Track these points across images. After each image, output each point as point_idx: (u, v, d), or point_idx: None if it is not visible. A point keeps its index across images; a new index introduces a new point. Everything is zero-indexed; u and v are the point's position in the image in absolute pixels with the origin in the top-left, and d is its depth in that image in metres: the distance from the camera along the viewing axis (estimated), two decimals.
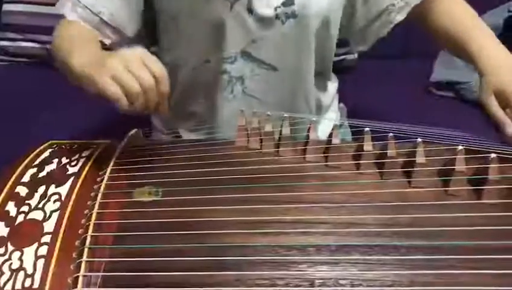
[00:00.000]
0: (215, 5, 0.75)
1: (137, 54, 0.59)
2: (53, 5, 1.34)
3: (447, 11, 0.81)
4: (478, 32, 0.76)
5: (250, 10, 0.76)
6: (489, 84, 0.69)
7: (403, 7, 0.82)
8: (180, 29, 0.80)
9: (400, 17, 0.83)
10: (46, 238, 0.57)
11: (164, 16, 0.80)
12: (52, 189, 0.64)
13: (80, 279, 0.53)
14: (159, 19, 0.82)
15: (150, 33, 0.86)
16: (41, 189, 0.64)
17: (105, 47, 0.79)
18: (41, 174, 0.67)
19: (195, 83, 0.84)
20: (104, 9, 0.77)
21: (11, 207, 0.62)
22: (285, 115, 0.69)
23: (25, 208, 0.61)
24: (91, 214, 0.59)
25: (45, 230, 0.58)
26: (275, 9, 0.76)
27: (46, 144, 0.75)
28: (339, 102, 1.01)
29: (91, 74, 0.60)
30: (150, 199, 0.62)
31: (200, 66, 0.82)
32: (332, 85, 0.97)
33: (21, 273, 0.54)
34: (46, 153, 0.71)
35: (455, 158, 0.61)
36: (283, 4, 0.76)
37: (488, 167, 0.60)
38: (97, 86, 0.59)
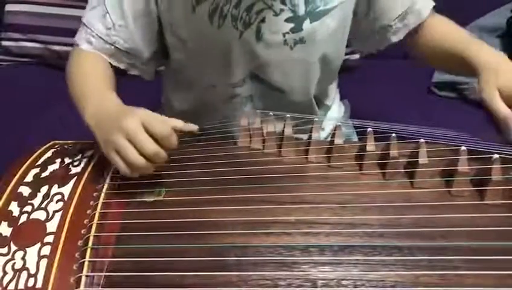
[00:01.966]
0: (225, 32, 0.75)
1: (138, 120, 0.59)
2: (55, 5, 1.36)
3: (440, 32, 0.82)
4: (473, 42, 0.76)
5: (259, 38, 0.75)
6: (492, 81, 0.67)
7: (400, 29, 0.83)
8: (189, 52, 0.80)
9: (395, 39, 0.84)
10: (49, 238, 0.58)
11: (174, 38, 0.80)
12: (55, 189, 0.64)
13: (83, 279, 0.53)
14: (168, 40, 0.82)
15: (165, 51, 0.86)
16: (44, 189, 0.64)
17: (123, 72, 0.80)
18: (44, 174, 0.67)
19: (206, 102, 0.84)
20: (118, 38, 0.77)
21: (14, 207, 0.62)
22: (288, 115, 0.69)
23: (27, 208, 0.61)
24: (94, 214, 0.60)
25: (48, 230, 0.58)
26: (284, 35, 0.76)
27: (48, 144, 0.75)
28: (342, 99, 1.01)
29: (98, 136, 0.64)
30: (153, 199, 0.62)
31: (205, 89, 0.82)
32: (332, 86, 0.97)
33: (24, 273, 0.54)
34: (49, 153, 0.72)
35: (458, 159, 0.61)
36: (291, 31, 0.76)
37: (491, 168, 0.60)
38: (103, 151, 0.63)
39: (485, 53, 0.72)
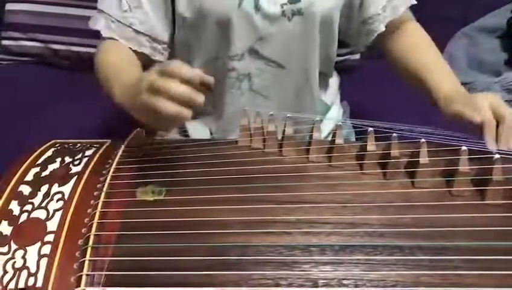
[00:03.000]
0: (224, 1, 0.76)
1: (153, 73, 0.59)
2: (56, 4, 1.36)
3: (411, 44, 0.84)
4: (439, 70, 0.80)
5: (257, 7, 0.76)
6: (455, 103, 0.71)
7: (386, 17, 0.84)
8: (189, 27, 0.81)
9: (382, 27, 0.85)
10: (49, 237, 0.57)
11: (177, 16, 0.81)
12: (56, 188, 0.64)
13: (83, 278, 0.53)
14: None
15: None
16: (45, 188, 0.64)
17: (148, 58, 0.81)
18: (44, 173, 0.67)
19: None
20: (134, 20, 0.79)
21: (14, 206, 0.62)
22: (289, 115, 0.69)
23: (28, 207, 0.61)
24: (94, 213, 0.59)
25: (48, 229, 0.58)
26: (281, 6, 0.77)
27: (49, 143, 0.75)
28: (342, 100, 1.01)
29: (129, 108, 0.65)
30: (153, 198, 0.62)
31: (209, 62, 0.83)
32: (334, 82, 0.97)
33: (24, 272, 0.54)
34: (49, 152, 0.72)
35: (459, 159, 0.61)
36: (289, 1, 0.77)
37: (491, 168, 0.60)
38: (139, 118, 0.63)
39: (444, 88, 0.75)
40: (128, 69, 0.75)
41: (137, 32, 0.80)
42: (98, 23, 0.80)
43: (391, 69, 0.90)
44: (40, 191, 0.64)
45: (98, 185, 0.64)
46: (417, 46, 0.84)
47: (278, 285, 0.52)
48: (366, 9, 0.85)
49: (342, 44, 0.90)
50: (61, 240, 0.57)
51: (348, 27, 0.88)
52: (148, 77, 0.59)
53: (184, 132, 0.90)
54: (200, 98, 0.57)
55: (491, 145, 0.64)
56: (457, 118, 0.69)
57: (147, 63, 0.81)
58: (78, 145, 0.73)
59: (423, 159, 0.62)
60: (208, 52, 0.82)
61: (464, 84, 1.27)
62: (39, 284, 0.53)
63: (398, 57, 0.85)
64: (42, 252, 0.56)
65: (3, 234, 0.58)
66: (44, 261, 0.55)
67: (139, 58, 0.81)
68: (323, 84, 0.93)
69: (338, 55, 0.94)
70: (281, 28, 0.79)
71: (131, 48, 0.80)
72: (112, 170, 0.66)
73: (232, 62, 0.81)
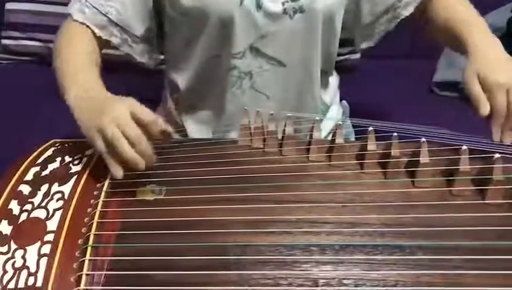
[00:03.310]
0: (226, 0, 0.76)
1: (127, 107, 0.62)
2: (56, 3, 1.36)
3: (444, 5, 0.83)
4: (470, 23, 0.77)
5: (259, 5, 0.76)
6: (473, 66, 0.70)
7: (409, 2, 0.84)
8: (190, 25, 0.80)
9: (406, 12, 0.85)
10: (49, 237, 0.57)
11: (174, 12, 0.81)
12: (55, 187, 0.64)
13: (83, 278, 0.53)
14: (169, 15, 0.82)
15: (160, 34, 0.87)
16: (45, 187, 0.64)
17: (112, 46, 0.81)
18: (44, 173, 0.67)
19: (205, 77, 0.85)
20: (112, 9, 0.78)
21: (14, 205, 0.62)
22: (289, 115, 0.69)
23: (28, 207, 0.61)
24: (94, 213, 0.59)
25: (48, 228, 0.58)
26: (283, 4, 0.77)
27: (49, 143, 0.75)
28: (342, 100, 1.01)
29: (81, 119, 0.66)
30: (153, 197, 0.62)
31: (210, 60, 0.83)
32: (333, 81, 0.97)
33: (24, 272, 0.54)
34: (49, 152, 0.71)
35: (459, 158, 0.61)
36: None
37: (492, 167, 0.60)
38: (84, 132, 0.65)
39: (476, 37, 0.74)
40: (89, 70, 0.73)
41: (110, 21, 0.79)
42: (72, 7, 0.79)
43: (430, 38, 0.88)
44: (40, 190, 0.63)
45: (98, 185, 0.64)
46: (454, 7, 0.82)
47: (278, 285, 0.52)
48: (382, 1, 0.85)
49: (342, 43, 0.90)
50: (61, 240, 0.57)
51: (356, 21, 0.88)
52: (116, 109, 0.61)
53: (181, 131, 0.90)
54: (141, 165, 0.61)
55: (496, 137, 0.64)
56: (465, 86, 0.69)
57: (107, 46, 0.81)
58: (78, 144, 0.73)
59: (424, 158, 0.62)
60: (208, 49, 0.82)
61: (462, 84, 1.28)
62: (39, 283, 0.53)
63: (439, 24, 0.83)
64: (42, 252, 0.56)
65: (3, 233, 0.58)
66: (44, 261, 0.55)
67: (101, 44, 0.80)
68: (324, 82, 0.93)
69: (338, 55, 0.94)
70: (283, 26, 0.78)
71: (100, 36, 0.79)
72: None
73: (233, 60, 0.81)
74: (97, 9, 0.77)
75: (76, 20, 0.78)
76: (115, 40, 0.80)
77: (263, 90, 0.84)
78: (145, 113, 0.62)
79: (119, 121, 0.61)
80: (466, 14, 0.79)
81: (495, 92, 0.66)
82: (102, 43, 0.80)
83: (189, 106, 0.89)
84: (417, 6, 0.84)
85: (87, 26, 0.78)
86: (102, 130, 0.61)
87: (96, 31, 0.78)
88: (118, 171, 0.61)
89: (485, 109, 0.66)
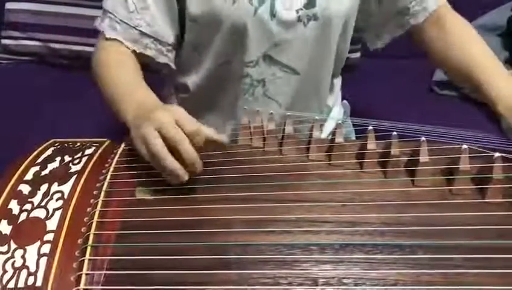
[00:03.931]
0: (239, 9, 0.75)
1: (171, 114, 0.60)
2: (56, 3, 1.36)
3: (458, 44, 0.81)
4: (488, 68, 0.77)
5: (273, 14, 0.76)
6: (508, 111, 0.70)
7: (419, 12, 0.83)
8: (201, 29, 0.80)
9: (414, 22, 0.84)
10: (49, 237, 0.57)
11: (186, 18, 0.80)
12: (55, 187, 0.64)
13: (83, 277, 0.53)
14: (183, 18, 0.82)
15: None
16: (44, 187, 0.64)
17: (148, 58, 0.80)
18: (44, 173, 0.67)
19: (216, 83, 0.84)
20: (141, 21, 0.77)
21: (13, 205, 0.62)
22: (288, 114, 0.69)
23: (27, 206, 0.61)
24: (94, 213, 0.59)
25: (48, 228, 0.58)
26: (297, 11, 0.76)
27: (48, 142, 0.75)
28: (343, 99, 1.01)
29: (134, 133, 0.63)
30: (153, 197, 0.62)
31: (220, 67, 0.82)
32: (338, 82, 0.97)
33: (24, 272, 0.54)
34: (49, 151, 0.71)
35: (459, 157, 0.61)
36: (305, 7, 0.76)
37: (492, 166, 0.59)
38: (136, 146, 0.62)
39: (498, 85, 0.73)
40: (141, 87, 0.72)
41: (142, 34, 0.78)
42: (103, 24, 0.79)
43: (431, 62, 0.89)
44: (39, 190, 0.63)
45: (98, 184, 0.64)
46: (462, 40, 0.82)
47: (278, 284, 0.52)
48: (395, 2, 0.84)
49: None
50: (61, 239, 0.57)
51: (368, 23, 0.87)
52: (159, 114, 0.59)
53: None
54: (185, 177, 0.59)
55: None
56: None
57: (146, 62, 0.81)
58: (78, 144, 0.73)
59: (423, 157, 0.62)
60: (219, 56, 0.81)
61: None
62: (39, 283, 0.53)
63: (440, 51, 0.83)
64: (42, 252, 0.56)
65: (3, 233, 0.58)
66: (43, 261, 0.55)
67: (139, 59, 0.79)
68: (330, 86, 0.93)
69: None
70: (297, 34, 0.78)
71: (135, 50, 0.78)
72: (111, 168, 0.66)
73: (246, 68, 0.80)
74: (127, 23, 0.77)
75: (109, 38, 0.78)
76: (150, 52, 0.79)
77: (275, 98, 0.83)
78: (189, 122, 0.60)
79: (162, 127, 0.59)
80: (482, 57, 0.79)
81: None
82: (139, 57, 0.79)
83: (198, 109, 0.88)
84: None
85: (121, 42, 0.78)
86: (144, 137, 0.60)
87: (130, 45, 0.78)
88: (183, 175, 0.59)
89: None
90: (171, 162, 0.58)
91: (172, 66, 0.83)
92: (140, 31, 0.77)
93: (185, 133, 0.59)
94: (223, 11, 0.75)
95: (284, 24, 0.77)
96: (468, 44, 0.81)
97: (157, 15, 0.78)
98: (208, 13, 0.76)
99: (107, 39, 0.78)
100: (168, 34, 0.80)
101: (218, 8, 0.75)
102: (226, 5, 0.75)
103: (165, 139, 0.58)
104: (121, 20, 0.77)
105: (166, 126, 0.59)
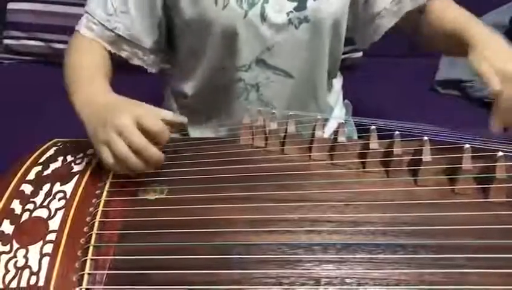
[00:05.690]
0: (230, 12, 0.75)
1: (130, 116, 0.60)
2: (57, 3, 1.36)
3: (440, 15, 0.80)
4: (469, 22, 0.74)
5: (264, 17, 0.75)
6: (479, 53, 0.67)
7: (396, 12, 0.82)
8: (194, 36, 0.80)
9: (389, 24, 0.83)
10: (51, 236, 0.57)
11: (179, 21, 0.80)
12: (57, 187, 0.64)
13: (85, 277, 0.53)
14: (176, 23, 0.82)
15: (169, 41, 0.86)
16: (46, 187, 0.64)
17: (123, 58, 0.80)
18: (46, 172, 0.67)
19: (211, 87, 0.84)
20: (119, 24, 0.77)
21: (16, 205, 0.62)
22: (290, 113, 0.69)
23: (30, 206, 0.61)
24: (96, 212, 0.59)
25: (50, 228, 0.58)
26: (288, 14, 0.76)
27: (51, 142, 0.75)
28: (344, 99, 1.01)
29: (88, 125, 0.65)
30: (155, 197, 0.62)
31: (215, 72, 0.82)
32: (337, 82, 0.96)
33: (26, 271, 0.54)
34: (51, 151, 0.71)
35: (462, 157, 0.61)
36: (295, 9, 0.76)
37: (495, 166, 0.59)
38: (92, 140, 0.64)
39: (477, 30, 0.71)
40: (98, 80, 0.72)
41: (119, 36, 0.78)
42: (80, 23, 0.79)
43: (430, 48, 0.87)
44: (41, 190, 0.63)
45: (100, 184, 0.64)
46: (449, 12, 0.79)
47: (280, 284, 0.51)
48: (373, 5, 0.82)
49: (345, 41, 0.89)
50: (63, 239, 0.57)
51: (354, 24, 0.87)
52: (119, 117, 0.60)
53: (185, 134, 0.90)
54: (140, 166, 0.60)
55: (494, 128, 0.63)
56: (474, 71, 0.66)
57: (120, 59, 0.80)
58: (80, 144, 0.73)
59: (426, 157, 0.61)
60: (212, 61, 0.81)
61: (467, 82, 1.28)
62: (41, 283, 0.53)
63: (435, 30, 0.80)
64: (44, 251, 0.56)
65: (5, 233, 0.58)
66: (46, 260, 0.55)
67: (113, 58, 0.79)
68: (328, 85, 0.92)
69: None
70: (289, 37, 0.77)
71: (110, 51, 0.78)
72: None
73: (239, 73, 0.80)
74: (104, 25, 0.77)
75: (84, 36, 0.78)
76: (124, 54, 0.80)
77: (270, 101, 0.83)
78: (151, 122, 0.60)
79: (120, 128, 0.59)
80: (462, 16, 0.77)
81: (503, 81, 0.63)
82: (113, 56, 0.79)
83: (197, 114, 0.88)
84: (410, 25, 0.83)
85: (98, 42, 0.78)
86: (108, 142, 0.60)
87: (106, 45, 0.78)
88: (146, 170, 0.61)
89: (498, 83, 0.63)
90: (136, 165, 0.60)
91: (149, 68, 0.84)
92: (116, 33, 0.78)
93: (148, 133, 0.60)
94: (213, 14, 0.75)
95: (275, 27, 0.77)
96: (448, 8, 0.80)
97: (136, 19, 0.78)
98: (199, 17, 0.76)
99: (82, 36, 0.78)
100: (145, 39, 0.80)
101: (208, 11, 0.75)
102: (216, 8, 0.75)
103: (127, 143, 0.59)
104: (98, 21, 0.77)
105: (129, 130, 0.59)
